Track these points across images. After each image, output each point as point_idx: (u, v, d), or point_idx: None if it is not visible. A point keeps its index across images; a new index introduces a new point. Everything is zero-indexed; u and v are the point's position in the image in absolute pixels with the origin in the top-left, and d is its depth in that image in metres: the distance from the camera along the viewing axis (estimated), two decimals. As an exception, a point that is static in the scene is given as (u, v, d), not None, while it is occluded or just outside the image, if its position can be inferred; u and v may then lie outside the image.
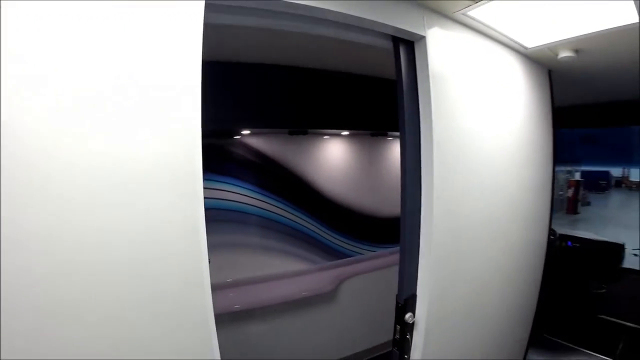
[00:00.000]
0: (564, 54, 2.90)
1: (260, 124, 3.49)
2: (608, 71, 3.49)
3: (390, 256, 4.42)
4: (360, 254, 4.38)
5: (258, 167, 3.72)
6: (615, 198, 22.00)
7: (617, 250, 4.97)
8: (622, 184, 27.96)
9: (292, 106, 3.43)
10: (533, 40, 2.68)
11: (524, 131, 3.00)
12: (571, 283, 4.22)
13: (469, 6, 2.07)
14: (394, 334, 2.10)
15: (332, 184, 4.08)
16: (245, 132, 3.60)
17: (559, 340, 4.59)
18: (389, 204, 4.47)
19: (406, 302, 2.07)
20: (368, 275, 4.22)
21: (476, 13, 2.17)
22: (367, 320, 4.24)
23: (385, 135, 4.28)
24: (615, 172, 27.53)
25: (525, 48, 2.80)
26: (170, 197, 1.18)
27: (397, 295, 2.12)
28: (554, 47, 2.83)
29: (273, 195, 3.80)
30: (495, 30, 2.44)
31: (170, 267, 1.20)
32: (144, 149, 1.13)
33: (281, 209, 3.82)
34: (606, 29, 2.44)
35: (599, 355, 4.40)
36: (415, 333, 2.11)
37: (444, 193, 2.10)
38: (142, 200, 1.13)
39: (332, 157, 4.08)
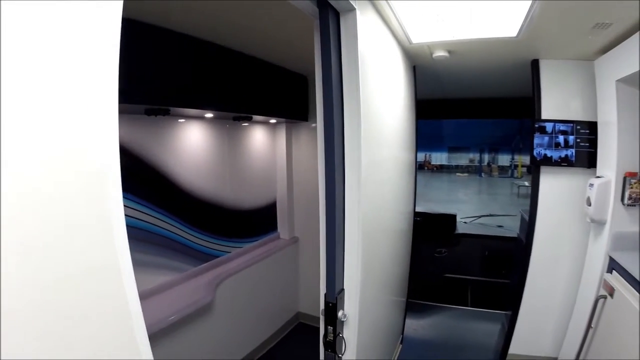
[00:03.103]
0: (439, 53, 3.08)
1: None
2: (460, 73, 3.91)
3: (259, 249, 4.07)
4: (228, 252, 3.73)
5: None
6: (420, 178, 24.65)
7: (451, 219, 5.75)
8: (424, 166, 31.87)
9: (154, 76, 2.44)
10: (419, 36, 2.76)
11: (402, 117, 3.10)
12: (419, 252, 4.62)
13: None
14: (325, 336, 1.85)
15: (191, 176, 3.25)
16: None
17: (421, 301, 5.15)
18: (251, 195, 4.03)
19: (337, 300, 1.84)
20: (241, 273, 3.63)
21: (395, 1, 2.10)
22: (248, 321, 3.78)
23: (250, 119, 3.63)
24: (420, 157, 30.77)
25: (410, 43, 2.86)
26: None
27: (325, 295, 1.87)
28: (432, 45, 2.98)
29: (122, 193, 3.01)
30: (398, 20, 2.40)
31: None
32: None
33: (133, 208, 2.78)
34: (478, 38, 2.76)
35: (455, 306, 5.16)
36: (346, 330, 1.93)
37: (366, 174, 1.94)
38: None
39: (190, 145, 3.25)
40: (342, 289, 1.90)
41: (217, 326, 3.26)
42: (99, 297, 0.70)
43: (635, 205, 2.81)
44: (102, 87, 0.68)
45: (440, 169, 32.34)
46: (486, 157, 31.70)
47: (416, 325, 4.61)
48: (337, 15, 1.78)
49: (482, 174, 29.98)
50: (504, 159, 30.63)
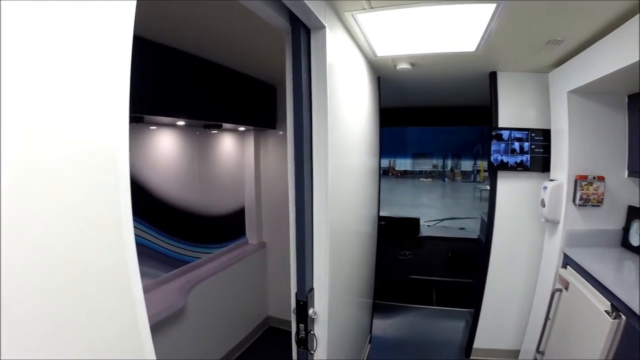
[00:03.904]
0: (402, 65, 3.19)
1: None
2: (423, 83, 4.05)
3: (228, 254, 4.04)
4: (198, 257, 3.69)
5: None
6: (385, 184, 24.86)
7: (414, 223, 5.88)
8: (389, 172, 32.19)
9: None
10: (383, 50, 2.85)
11: (367, 125, 3.21)
12: (384, 255, 4.73)
13: (362, 9, 2.07)
14: (297, 334, 1.92)
15: (163, 183, 3.24)
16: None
17: (387, 302, 5.23)
18: (220, 201, 4.01)
19: (307, 298, 1.91)
20: (212, 279, 3.61)
21: (362, 17, 2.18)
22: (220, 326, 3.76)
23: (219, 127, 3.62)
24: (384, 163, 31.21)
25: (375, 56, 2.95)
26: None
27: (296, 294, 1.94)
28: (396, 58, 3.09)
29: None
30: (364, 36, 2.50)
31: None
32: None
33: None
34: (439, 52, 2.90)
35: (421, 305, 5.26)
36: (316, 327, 1.99)
37: (334, 183, 2.02)
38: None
39: (162, 152, 3.25)
40: (312, 288, 1.97)
41: (190, 332, 3.26)
42: (107, 296, 0.74)
43: (585, 206, 2.99)
44: (116, 94, 0.75)
45: (405, 174, 32.72)
46: (449, 163, 32.27)
47: (384, 325, 4.68)
48: (307, 32, 1.87)
49: (446, 179, 30.47)
50: (466, 165, 31.26)
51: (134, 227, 2.29)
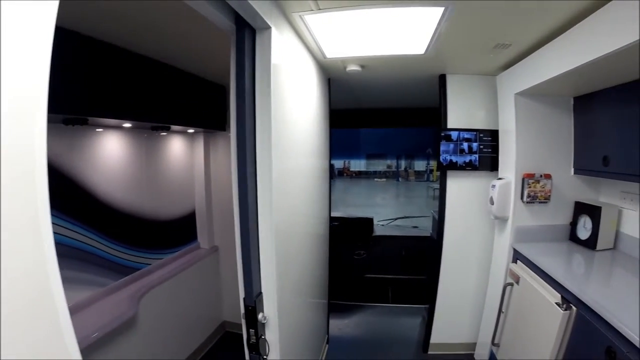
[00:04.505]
0: (352, 67, 3.16)
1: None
2: (373, 85, 4.05)
3: (179, 259, 3.90)
4: (148, 264, 3.51)
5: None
6: (340, 184, 25.11)
7: (368, 223, 5.90)
8: (344, 173, 32.35)
9: (72, 84, 2.21)
10: (333, 52, 2.81)
11: (317, 126, 3.16)
12: (338, 255, 4.71)
13: (310, 10, 2.02)
14: (248, 339, 1.85)
15: (109, 187, 3.06)
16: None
17: (344, 302, 5.21)
18: (170, 205, 3.85)
19: (255, 303, 1.85)
20: (163, 285, 3.45)
21: (310, 18, 2.13)
22: (174, 334, 3.61)
23: (168, 129, 3.48)
24: (338, 164, 31.51)
25: (325, 57, 2.91)
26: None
27: (244, 299, 1.87)
28: (346, 60, 3.06)
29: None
30: (313, 37, 2.45)
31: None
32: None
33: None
34: (388, 54, 2.89)
35: (377, 304, 5.27)
36: (267, 332, 1.92)
37: (278, 182, 1.95)
38: None
39: (108, 155, 3.06)
40: (260, 292, 1.90)
41: (142, 341, 3.11)
42: (26, 304, 0.65)
43: (533, 203, 3.06)
44: (32, 90, 0.65)
45: (359, 175, 32.99)
46: (403, 163, 32.75)
47: (341, 325, 4.66)
48: (253, 32, 1.80)
49: (400, 179, 30.88)
50: (420, 165, 31.78)
51: (80, 233, 2.12)
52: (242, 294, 1.87)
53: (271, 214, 1.89)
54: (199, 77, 3.55)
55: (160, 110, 3.07)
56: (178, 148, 3.96)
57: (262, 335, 1.87)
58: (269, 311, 1.93)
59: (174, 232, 3.91)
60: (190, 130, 3.95)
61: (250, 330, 1.83)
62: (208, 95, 3.76)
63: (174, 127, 3.51)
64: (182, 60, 3.08)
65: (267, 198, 1.88)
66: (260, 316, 1.85)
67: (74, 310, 2.64)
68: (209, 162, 4.31)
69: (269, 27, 1.80)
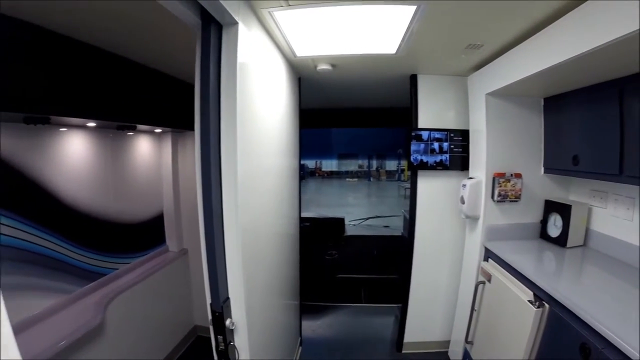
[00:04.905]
0: (323, 66, 3.11)
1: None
2: (345, 84, 4.00)
3: (148, 263, 3.75)
4: (116, 269, 3.36)
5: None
6: (312, 184, 25.11)
7: (340, 223, 5.88)
8: (316, 173, 32.43)
9: (32, 82, 2.11)
10: (303, 50, 2.76)
11: (286, 126, 3.10)
12: (310, 256, 4.67)
13: (280, 7, 1.95)
14: (217, 346, 1.78)
15: (74, 189, 2.91)
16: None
17: (316, 303, 5.16)
18: (137, 207, 3.70)
19: (223, 308, 1.78)
20: (132, 290, 3.30)
21: (280, 15, 2.07)
22: (145, 340, 3.48)
23: (134, 129, 3.33)
24: (310, 164, 31.54)
25: (295, 56, 2.85)
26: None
27: (210, 305, 1.79)
28: (316, 59, 3.01)
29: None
30: (282, 35, 2.38)
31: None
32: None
33: (9, 226, 2.38)
34: (360, 54, 2.85)
35: (350, 304, 5.23)
36: (236, 337, 1.85)
37: (244, 183, 1.87)
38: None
39: (73, 156, 2.91)
40: (228, 298, 1.83)
41: (110, 349, 2.97)
42: None
43: (504, 201, 3.07)
44: None
45: (331, 175, 33.10)
46: (374, 163, 33.02)
47: (314, 326, 4.62)
48: (219, 28, 1.73)
49: (371, 179, 31.15)
50: (391, 164, 32.13)
51: (43, 238, 2.01)
52: (208, 300, 1.80)
53: (237, 216, 1.81)
54: (167, 75, 3.42)
55: (126, 109, 2.95)
56: (145, 148, 3.82)
57: (230, 341, 1.80)
58: (237, 316, 1.85)
59: (141, 235, 3.78)
60: (158, 130, 3.81)
61: (219, 336, 1.76)
62: (176, 93, 3.62)
63: (141, 127, 3.37)
64: (150, 58, 2.95)
65: (233, 200, 1.80)
66: (228, 322, 1.77)
67: (38, 319, 2.52)
68: (177, 162, 4.17)
69: (236, 23, 1.73)
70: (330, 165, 33.62)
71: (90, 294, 3.02)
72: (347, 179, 31.05)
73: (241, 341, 1.87)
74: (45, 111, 2.23)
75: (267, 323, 2.50)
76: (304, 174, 28.56)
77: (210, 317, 1.78)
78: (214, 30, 1.68)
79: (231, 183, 1.79)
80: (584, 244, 2.93)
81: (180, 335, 4.17)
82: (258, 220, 2.23)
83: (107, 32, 2.30)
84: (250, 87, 1.96)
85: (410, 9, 2.02)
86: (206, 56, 1.67)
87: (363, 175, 32.44)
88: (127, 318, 3.23)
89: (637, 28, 1.48)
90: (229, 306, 1.82)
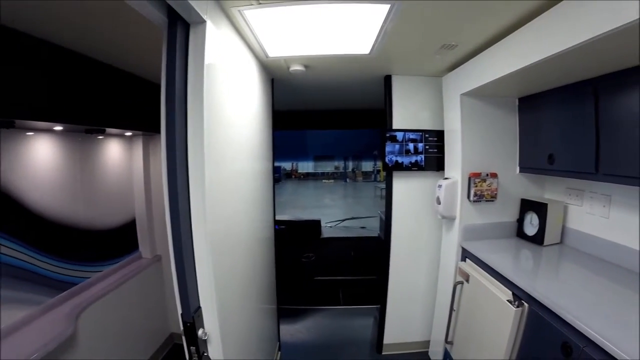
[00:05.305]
0: (295, 67, 3.06)
1: None
2: (318, 86, 3.97)
3: (120, 271, 3.61)
4: (87, 277, 3.20)
5: None
6: (288, 186, 25.00)
7: (315, 225, 5.83)
8: (292, 175, 32.34)
9: None
10: (275, 50, 2.70)
11: (258, 128, 3.02)
12: (286, 259, 4.60)
13: (250, 5, 1.89)
14: (190, 358, 1.68)
15: (42, 196, 2.78)
16: None
17: (294, 306, 5.07)
18: (108, 213, 3.55)
19: (194, 318, 1.68)
20: (104, 299, 3.18)
21: (250, 14, 2.00)
22: (119, 350, 3.34)
23: (103, 132, 3.22)
24: (287, 166, 31.41)
25: (267, 56, 2.79)
26: None
27: (182, 315, 1.70)
28: (289, 60, 2.95)
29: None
30: (254, 35, 2.32)
31: None
32: None
33: None
34: (333, 54, 2.81)
35: (328, 306, 5.15)
36: (210, 348, 1.77)
37: (212, 188, 1.81)
38: None
39: (39, 161, 2.77)
40: (199, 307, 1.75)
41: (85, 360, 2.86)
42: None
43: (480, 201, 3.07)
44: None
45: (307, 176, 33.03)
46: (350, 164, 33.09)
47: (292, 330, 4.54)
48: (187, 27, 1.66)
49: (348, 180, 31.20)
50: (367, 165, 32.25)
51: (8, 247, 1.90)
52: (179, 310, 1.71)
53: (205, 222, 1.74)
54: (137, 77, 3.31)
55: (95, 112, 2.83)
56: (116, 152, 3.68)
57: (204, 352, 1.71)
58: (210, 326, 1.78)
59: (113, 242, 3.63)
60: (128, 133, 3.68)
61: (191, 347, 1.67)
62: (146, 95, 3.49)
63: (110, 130, 3.25)
64: (118, 59, 2.84)
65: (201, 205, 1.72)
66: (200, 332, 1.69)
67: (6, 333, 2.38)
68: (149, 166, 4.03)
69: (204, 22, 1.66)
70: (306, 167, 33.56)
71: (61, 305, 2.88)
72: (324, 181, 31.03)
73: (215, 351, 1.79)
74: (9, 114, 2.12)
75: (243, 330, 2.42)
76: (280, 176, 28.37)
77: (182, 327, 1.69)
78: (180, 29, 1.60)
79: (199, 188, 1.71)
80: (561, 242, 2.95)
81: (157, 344, 4.04)
82: (230, 225, 2.16)
83: (74, 32, 2.19)
84: (218, 88, 1.88)
85: (384, 8, 1.98)
86: (172, 56, 1.59)
87: (339, 176, 32.48)
88: (100, 328, 3.11)
89: (611, 28, 1.47)
90: (200, 316, 1.74)
